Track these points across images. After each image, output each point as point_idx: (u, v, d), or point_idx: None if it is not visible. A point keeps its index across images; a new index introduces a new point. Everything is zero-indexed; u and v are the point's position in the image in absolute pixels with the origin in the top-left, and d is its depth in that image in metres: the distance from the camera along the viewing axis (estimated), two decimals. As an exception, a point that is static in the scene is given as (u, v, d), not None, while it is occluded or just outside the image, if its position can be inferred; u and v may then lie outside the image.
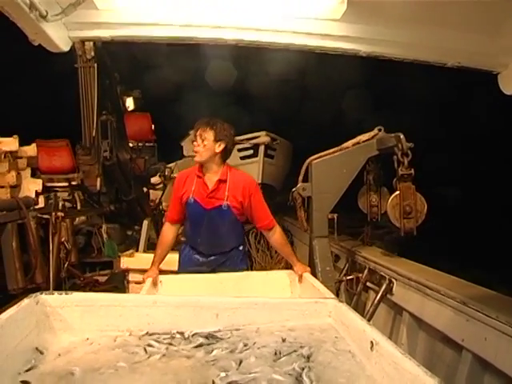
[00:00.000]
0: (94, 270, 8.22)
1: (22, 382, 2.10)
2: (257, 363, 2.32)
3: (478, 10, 2.91)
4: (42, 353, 2.42)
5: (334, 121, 14.72)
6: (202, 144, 4.03)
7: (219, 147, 4.06)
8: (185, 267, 4.38)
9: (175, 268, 4.51)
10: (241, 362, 2.33)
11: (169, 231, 4.27)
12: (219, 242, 4.30)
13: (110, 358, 2.41)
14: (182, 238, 4.61)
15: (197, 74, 16.45)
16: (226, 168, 4.17)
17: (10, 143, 6.21)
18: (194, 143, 4.07)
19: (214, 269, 4.28)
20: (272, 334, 2.72)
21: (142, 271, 4.63)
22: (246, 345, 2.55)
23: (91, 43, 7.32)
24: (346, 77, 13.15)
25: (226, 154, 4.15)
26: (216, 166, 4.12)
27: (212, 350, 2.49)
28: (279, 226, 4.31)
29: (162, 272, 4.13)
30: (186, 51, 12.54)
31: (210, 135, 4.03)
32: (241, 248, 4.44)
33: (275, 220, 4.29)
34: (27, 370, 2.22)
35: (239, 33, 3.20)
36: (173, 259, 4.49)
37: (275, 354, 2.43)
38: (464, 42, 3.27)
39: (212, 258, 4.32)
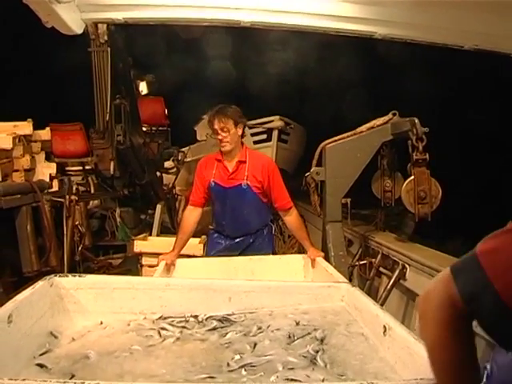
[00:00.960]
0: (107, 254, 8.26)
1: (37, 364, 2.12)
2: (271, 346, 2.33)
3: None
4: (56, 337, 2.44)
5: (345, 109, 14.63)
6: (228, 134, 4.10)
7: (240, 130, 4.19)
8: (212, 252, 4.44)
9: (193, 252, 4.54)
10: (255, 344, 2.34)
11: (190, 215, 4.30)
12: (243, 222, 4.36)
13: (124, 341, 2.43)
14: (210, 227, 4.63)
15: (211, 60, 16.36)
16: (244, 149, 4.28)
17: (25, 127, 6.21)
18: (219, 136, 4.13)
19: (241, 252, 4.34)
20: (285, 316, 2.72)
21: (156, 255, 4.65)
22: (259, 328, 2.56)
23: (104, 27, 7.28)
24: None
25: (242, 134, 4.27)
26: (238, 148, 4.23)
27: (226, 333, 2.50)
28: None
29: (179, 256, 4.15)
30: (201, 36, 12.46)
31: (230, 123, 4.10)
32: (267, 229, 4.53)
33: (293, 202, 4.34)
34: (42, 354, 2.24)
35: (253, 14, 3.17)
36: (191, 243, 4.52)
37: (289, 336, 2.43)
38: (481, 24, 3.21)
39: (238, 239, 4.39)
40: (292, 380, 1.98)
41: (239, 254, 4.30)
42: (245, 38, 11.53)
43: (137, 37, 10.04)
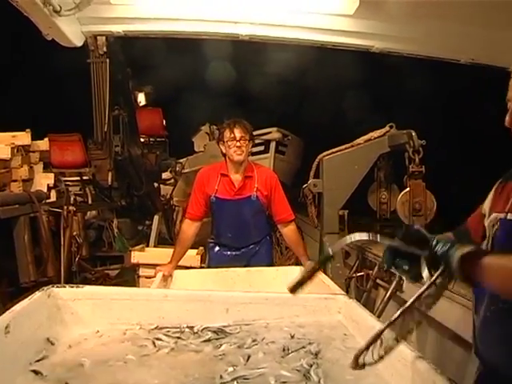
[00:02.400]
0: (104, 264, 8.25)
1: (32, 371, 2.13)
2: (265, 359, 2.33)
3: (492, 6, 2.89)
4: (52, 344, 2.44)
5: (341, 119, 14.67)
6: (245, 144, 4.14)
7: (251, 145, 4.29)
8: (216, 264, 4.43)
9: (191, 263, 4.55)
10: (249, 357, 2.33)
11: (189, 229, 4.28)
12: (250, 232, 4.42)
13: (119, 350, 2.43)
14: (210, 240, 4.62)
15: (209, 71, 16.42)
16: (249, 164, 4.31)
17: (23, 137, 6.23)
18: (237, 144, 4.12)
19: (248, 261, 4.38)
20: (281, 329, 2.73)
21: (153, 266, 4.66)
22: (254, 340, 2.56)
23: (104, 38, 7.34)
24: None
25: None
26: (246, 162, 4.26)
27: (220, 345, 2.50)
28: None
29: (177, 267, 4.16)
30: (198, 48, 12.52)
31: (247, 136, 4.16)
32: (269, 237, 4.61)
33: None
34: (38, 360, 2.24)
35: (252, 28, 3.21)
36: (188, 255, 4.53)
37: (283, 350, 2.43)
38: (478, 38, 3.26)
39: (244, 249, 4.43)
40: None
41: (246, 264, 4.33)
42: (243, 50, 11.59)
43: (135, 48, 10.09)
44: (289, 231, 4.35)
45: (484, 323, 1.83)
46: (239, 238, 4.40)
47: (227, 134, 4.15)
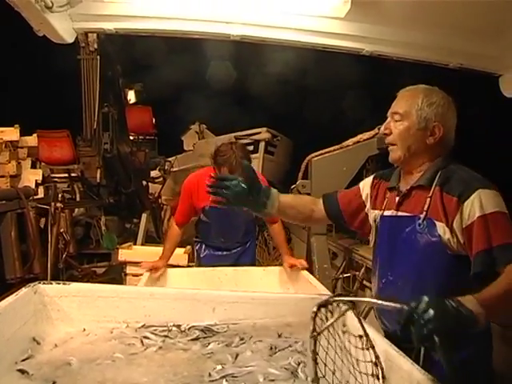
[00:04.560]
0: (91, 262, 8.23)
1: (18, 370, 2.10)
2: (253, 357, 2.33)
3: (482, 12, 2.91)
4: (38, 343, 2.42)
5: (333, 119, 14.70)
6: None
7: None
8: (207, 263, 4.47)
9: (178, 262, 4.57)
10: (237, 355, 2.34)
11: (178, 235, 4.27)
12: (240, 235, 4.51)
13: (106, 348, 2.41)
14: (196, 239, 4.67)
15: (200, 70, 16.42)
16: None
17: (11, 133, 6.19)
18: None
19: (234, 262, 4.42)
20: (268, 328, 2.73)
21: (140, 264, 4.65)
22: (242, 339, 2.56)
23: (94, 35, 7.32)
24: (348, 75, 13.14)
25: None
26: None
27: (208, 344, 2.50)
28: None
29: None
30: (189, 46, 12.52)
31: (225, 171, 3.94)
32: (254, 238, 4.77)
33: None
34: (24, 360, 2.21)
35: (243, 28, 3.21)
36: (176, 253, 4.54)
37: (271, 348, 2.44)
38: (466, 43, 3.28)
39: (233, 250, 4.51)
40: None
41: (233, 262, 4.39)
42: (235, 48, 11.60)
43: (126, 46, 10.07)
44: (274, 229, 4.38)
45: (379, 292, 2.34)
46: (230, 240, 4.48)
47: (217, 169, 3.99)
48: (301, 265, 4.00)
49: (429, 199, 2.12)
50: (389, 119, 2.27)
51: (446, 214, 2.05)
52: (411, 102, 2.19)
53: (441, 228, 2.06)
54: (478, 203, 1.97)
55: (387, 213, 2.34)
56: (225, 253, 4.50)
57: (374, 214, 2.47)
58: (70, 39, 3.12)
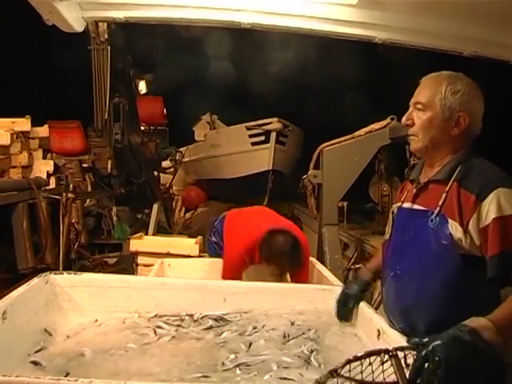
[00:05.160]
0: (103, 252, 8.22)
1: (31, 362, 2.12)
2: (266, 346, 2.34)
3: (495, 2, 2.87)
4: (50, 334, 2.43)
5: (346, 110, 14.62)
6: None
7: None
8: None
9: (189, 252, 4.56)
10: (250, 344, 2.35)
11: None
12: None
13: (119, 339, 2.43)
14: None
15: (211, 59, 16.35)
16: None
17: (23, 124, 6.18)
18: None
19: None
20: (280, 317, 2.73)
21: (151, 254, 4.66)
22: (255, 327, 2.56)
23: (105, 25, 7.29)
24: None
25: None
26: None
27: (221, 333, 2.51)
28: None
29: (173, 256, 4.16)
30: (201, 37, 12.48)
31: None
32: None
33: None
34: (37, 352, 2.23)
35: (254, 16, 3.18)
36: (187, 243, 4.54)
37: (284, 336, 2.44)
38: (481, 30, 3.23)
39: None
40: (285, 379, 1.98)
41: None
42: (245, 38, 11.54)
43: (137, 36, 10.05)
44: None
45: (387, 285, 2.30)
46: None
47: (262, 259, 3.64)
48: None
49: (445, 194, 2.03)
50: (411, 109, 2.17)
51: (461, 212, 1.95)
52: (434, 91, 2.08)
53: (453, 226, 1.96)
54: (496, 204, 1.87)
55: (405, 205, 2.28)
56: None
57: (393, 207, 2.43)
58: (79, 28, 3.12)
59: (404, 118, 2.19)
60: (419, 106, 2.12)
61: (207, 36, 12.25)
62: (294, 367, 2.10)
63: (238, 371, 2.06)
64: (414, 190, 2.23)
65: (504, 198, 1.88)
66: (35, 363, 2.11)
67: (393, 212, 2.40)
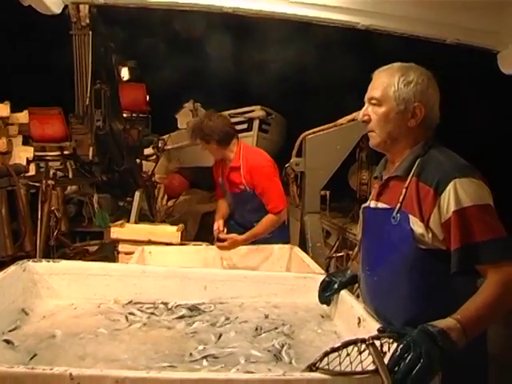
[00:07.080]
0: (84, 240, 8.16)
1: (4, 340, 2.15)
2: (236, 338, 2.33)
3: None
4: (27, 314, 2.47)
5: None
6: (208, 147, 4.21)
7: (216, 144, 4.16)
8: None
9: (171, 240, 4.54)
10: (220, 335, 2.34)
11: (221, 203, 4.55)
12: (253, 219, 4.32)
13: (91, 323, 2.45)
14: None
15: (195, 46, 16.23)
16: (238, 152, 4.26)
17: (2, 109, 6.08)
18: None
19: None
20: (255, 309, 2.73)
21: (133, 242, 4.63)
22: (227, 319, 2.56)
23: (86, 9, 7.18)
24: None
25: (224, 141, 4.19)
26: (228, 153, 4.26)
27: (193, 322, 2.51)
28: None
29: (154, 243, 4.15)
30: (185, 22, 12.36)
31: (201, 141, 4.17)
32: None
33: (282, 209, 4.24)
34: (11, 330, 2.27)
35: (236, 1, 3.14)
36: (168, 231, 4.52)
37: (256, 329, 2.43)
38: (464, 18, 3.23)
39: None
40: (252, 373, 1.92)
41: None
42: (230, 25, 11.47)
43: (119, 22, 9.93)
44: (268, 217, 4.19)
45: (362, 285, 2.31)
46: (244, 220, 4.45)
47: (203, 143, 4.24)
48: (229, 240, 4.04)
49: (404, 190, 2.02)
50: (366, 105, 2.15)
51: (421, 207, 1.95)
52: (387, 84, 2.06)
53: (414, 222, 1.96)
54: (454, 196, 1.86)
55: (371, 204, 2.30)
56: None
57: (362, 207, 2.44)
58: (57, 10, 3.06)
59: (360, 115, 2.18)
60: (374, 101, 2.10)
61: (191, 22, 12.14)
62: (262, 361, 2.08)
63: (204, 363, 2.05)
64: (378, 188, 2.25)
65: (461, 188, 1.87)
66: (7, 342, 2.14)
67: (363, 212, 2.40)
